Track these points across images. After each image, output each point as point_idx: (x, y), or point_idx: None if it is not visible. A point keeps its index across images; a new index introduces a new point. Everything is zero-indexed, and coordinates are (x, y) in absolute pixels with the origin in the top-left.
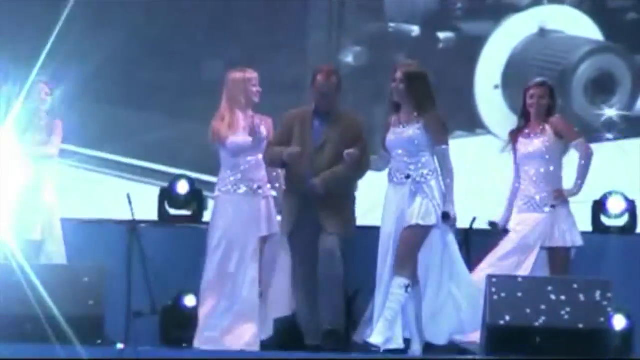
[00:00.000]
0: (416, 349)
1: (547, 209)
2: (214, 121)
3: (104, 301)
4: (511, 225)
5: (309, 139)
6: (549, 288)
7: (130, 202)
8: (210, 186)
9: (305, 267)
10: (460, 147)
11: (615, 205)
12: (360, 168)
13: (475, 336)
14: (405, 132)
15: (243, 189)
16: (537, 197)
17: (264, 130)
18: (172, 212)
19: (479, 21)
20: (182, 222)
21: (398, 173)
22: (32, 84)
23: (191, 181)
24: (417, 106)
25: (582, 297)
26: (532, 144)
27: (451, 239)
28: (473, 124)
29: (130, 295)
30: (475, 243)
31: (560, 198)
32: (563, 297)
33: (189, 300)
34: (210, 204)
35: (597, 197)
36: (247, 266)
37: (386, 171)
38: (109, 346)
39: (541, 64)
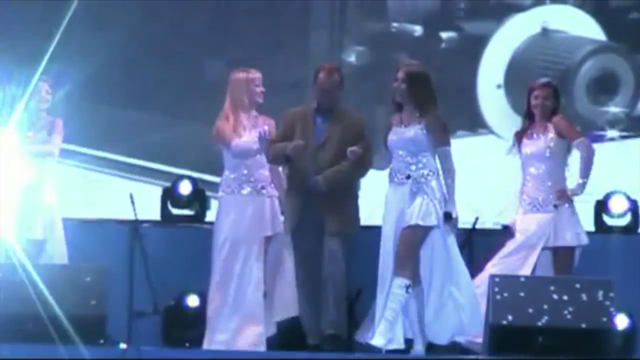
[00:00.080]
0: (419, 349)
1: (550, 209)
2: (218, 121)
3: (106, 301)
4: (517, 226)
5: (311, 136)
6: (552, 288)
7: (132, 202)
8: (213, 186)
9: (308, 266)
10: (462, 146)
11: (618, 204)
12: (363, 166)
13: (478, 337)
14: (406, 133)
15: (247, 189)
16: (541, 198)
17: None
18: (175, 212)
19: (481, 21)
20: (185, 222)
21: (399, 173)
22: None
23: (194, 181)
24: (418, 106)
25: (584, 296)
26: (535, 144)
27: (452, 239)
28: (475, 123)
29: (133, 295)
30: (478, 243)
31: (563, 198)
32: (565, 297)
33: (192, 300)
34: (213, 204)
35: (600, 196)
36: (252, 266)
37: (387, 170)
38: (111, 346)
39: (544, 64)
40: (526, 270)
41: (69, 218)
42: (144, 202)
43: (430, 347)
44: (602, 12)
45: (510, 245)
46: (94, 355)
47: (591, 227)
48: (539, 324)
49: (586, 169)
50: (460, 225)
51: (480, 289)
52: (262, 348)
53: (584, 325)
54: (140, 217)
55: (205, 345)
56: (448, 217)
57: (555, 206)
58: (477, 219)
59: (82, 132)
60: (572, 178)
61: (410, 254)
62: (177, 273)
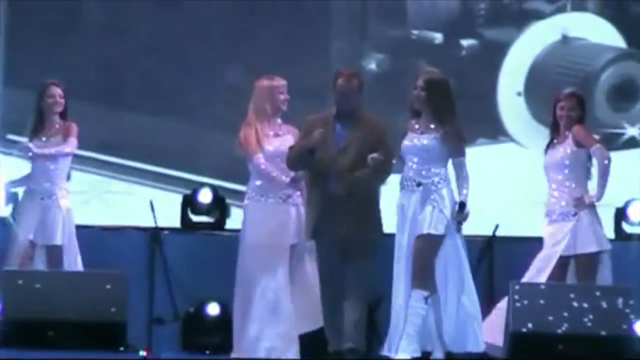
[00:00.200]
0: (438, 357)
1: (570, 218)
2: (244, 127)
3: (126, 308)
4: (544, 237)
5: (331, 142)
6: (571, 295)
7: (152, 209)
8: (233, 193)
9: (329, 273)
10: (482, 154)
11: (637, 212)
12: (383, 172)
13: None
14: (421, 140)
15: (272, 198)
16: (561, 206)
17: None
18: (195, 219)
19: (501, 28)
20: (205, 229)
21: (409, 180)
22: (45, 86)
23: (214, 189)
24: (436, 115)
25: (604, 304)
26: (556, 154)
27: (462, 249)
28: (496, 131)
29: (153, 302)
30: (499, 251)
31: (581, 205)
32: (585, 304)
33: (212, 308)
34: (233, 211)
35: (619, 204)
36: (278, 274)
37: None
38: (131, 353)
39: (564, 71)
40: (543, 278)
41: (90, 225)
42: (164, 209)
43: (451, 356)
44: (622, 19)
45: (537, 263)
46: None
47: (611, 235)
48: (559, 331)
49: (603, 176)
50: (481, 233)
51: None
52: (293, 353)
53: (603, 333)
54: (161, 224)
55: (234, 354)
56: (462, 207)
57: (575, 214)
58: (497, 226)
59: (102, 139)
60: (593, 186)
61: (425, 264)
62: (197, 280)
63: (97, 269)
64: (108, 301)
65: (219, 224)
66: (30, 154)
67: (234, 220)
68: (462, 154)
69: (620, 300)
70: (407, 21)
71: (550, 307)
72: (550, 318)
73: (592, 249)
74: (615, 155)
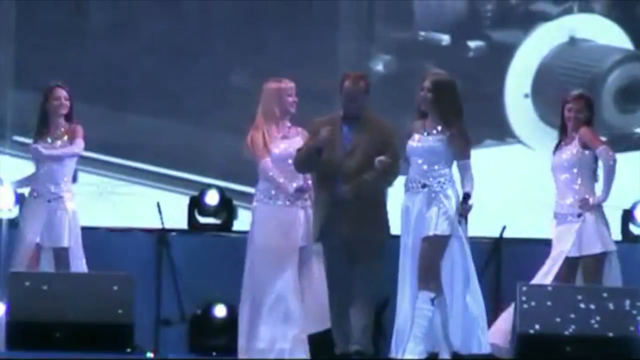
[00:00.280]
0: (445, 359)
1: (576, 219)
2: (252, 129)
3: (133, 310)
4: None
5: (339, 144)
6: (579, 297)
7: (159, 211)
8: (240, 195)
9: (336, 275)
10: (490, 156)
11: None
12: (390, 174)
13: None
14: (427, 141)
15: (281, 200)
16: (567, 207)
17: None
18: (202, 220)
19: (508, 30)
20: (212, 230)
21: (414, 182)
22: (50, 89)
23: (221, 190)
24: (443, 117)
25: (611, 305)
26: (563, 155)
27: (467, 250)
28: (503, 133)
29: (160, 303)
30: (506, 252)
31: (586, 206)
32: (592, 306)
33: (219, 310)
34: (240, 213)
35: (627, 206)
36: (287, 276)
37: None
38: (138, 354)
39: (571, 73)
40: (550, 279)
41: (97, 227)
42: (171, 211)
43: (458, 356)
44: (629, 20)
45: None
46: None
47: (618, 237)
48: (566, 333)
49: (608, 176)
50: (488, 234)
51: None
52: (303, 353)
53: (611, 334)
54: (168, 226)
55: (241, 355)
56: (467, 197)
57: (579, 215)
58: (504, 228)
59: (109, 140)
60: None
61: (431, 266)
62: (204, 282)
63: (104, 271)
64: (115, 303)
65: (226, 226)
66: (38, 156)
67: (241, 221)
68: (468, 157)
69: (627, 302)
70: (414, 23)
71: (557, 308)
72: (558, 320)
73: (596, 250)
74: (622, 157)
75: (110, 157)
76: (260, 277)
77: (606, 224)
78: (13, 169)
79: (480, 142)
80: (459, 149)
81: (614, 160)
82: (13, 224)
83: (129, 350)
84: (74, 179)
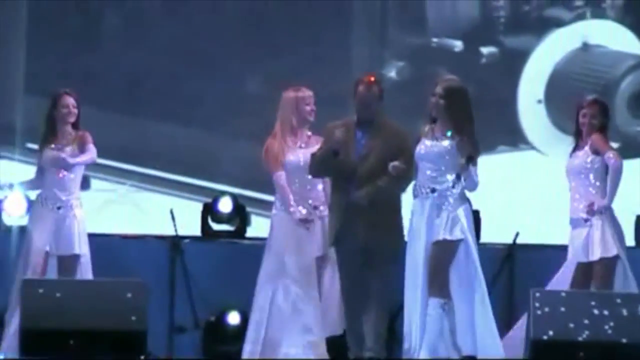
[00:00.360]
0: None
1: (585, 224)
2: (269, 138)
3: (146, 316)
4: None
5: (352, 149)
6: (592, 303)
7: (173, 218)
8: (253, 202)
9: (351, 281)
10: (503, 162)
11: None
12: (404, 179)
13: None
14: (436, 147)
15: (299, 208)
16: (577, 213)
17: None
18: (215, 227)
19: (521, 36)
20: (225, 237)
21: (423, 187)
22: (58, 96)
23: (234, 197)
24: (453, 123)
25: (625, 311)
26: (576, 160)
27: (475, 254)
28: (516, 139)
29: (173, 310)
30: (519, 258)
31: (590, 212)
32: (606, 312)
33: (232, 317)
34: (254, 219)
35: None
36: (307, 288)
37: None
38: None
39: (584, 79)
40: (564, 285)
41: (111, 234)
42: (184, 217)
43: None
44: None
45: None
46: None
47: (631, 242)
48: (580, 339)
49: (613, 181)
50: (501, 240)
51: None
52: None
53: (624, 340)
54: (181, 232)
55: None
56: (469, 160)
57: (586, 220)
58: (517, 234)
59: (122, 147)
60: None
61: (441, 271)
62: (217, 289)
63: (117, 278)
64: (129, 310)
65: (240, 233)
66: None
67: (255, 228)
68: (475, 164)
69: None
70: (427, 29)
71: (570, 314)
72: (571, 325)
73: (596, 256)
74: (635, 163)
75: (124, 164)
76: (277, 284)
77: (616, 229)
78: (23, 175)
79: (494, 149)
80: (467, 155)
81: (620, 166)
82: (24, 230)
83: (142, 357)
84: (87, 186)
